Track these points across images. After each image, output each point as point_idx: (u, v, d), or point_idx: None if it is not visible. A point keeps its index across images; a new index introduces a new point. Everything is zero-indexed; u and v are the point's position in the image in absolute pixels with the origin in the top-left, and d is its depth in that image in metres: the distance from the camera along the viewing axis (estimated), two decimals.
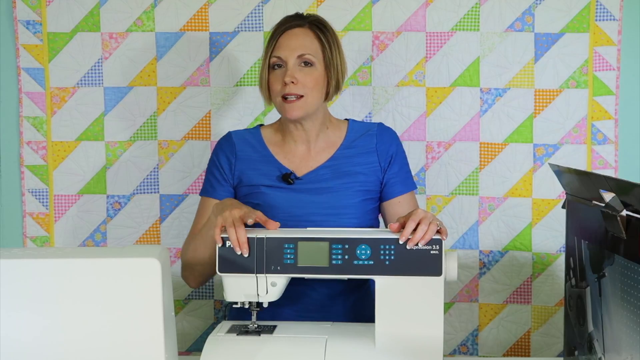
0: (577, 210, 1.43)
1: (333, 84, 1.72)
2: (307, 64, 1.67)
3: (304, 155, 1.75)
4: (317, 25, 1.71)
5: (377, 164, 1.75)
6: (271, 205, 1.69)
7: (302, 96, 1.66)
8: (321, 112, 1.74)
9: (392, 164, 1.76)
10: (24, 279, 1.22)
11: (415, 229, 1.41)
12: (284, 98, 1.66)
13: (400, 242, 1.41)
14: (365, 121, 1.86)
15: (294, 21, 1.71)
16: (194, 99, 2.16)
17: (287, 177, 1.71)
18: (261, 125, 1.85)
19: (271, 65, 1.69)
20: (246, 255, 1.43)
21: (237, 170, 1.75)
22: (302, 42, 1.68)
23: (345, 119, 1.83)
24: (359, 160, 1.74)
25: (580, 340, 1.42)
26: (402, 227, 1.43)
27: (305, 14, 1.75)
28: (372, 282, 1.85)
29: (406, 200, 1.77)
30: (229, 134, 1.81)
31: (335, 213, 1.69)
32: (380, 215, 1.83)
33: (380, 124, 1.81)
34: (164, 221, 2.18)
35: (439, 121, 2.14)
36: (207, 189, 1.78)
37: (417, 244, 1.40)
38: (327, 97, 1.73)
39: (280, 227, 1.50)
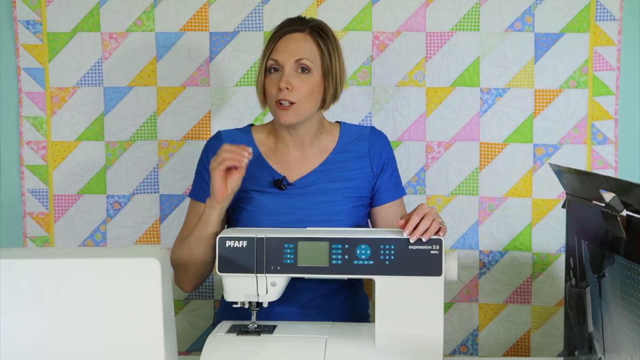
0: (577, 210, 1.43)
1: (331, 92, 1.68)
2: (304, 69, 1.64)
3: (296, 160, 1.72)
4: (318, 32, 1.67)
5: (369, 169, 1.74)
6: (262, 210, 1.67)
7: (295, 103, 1.63)
8: (316, 119, 1.71)
9: (384, 170, 1.75)
10: (24, 279, 1.22)
11: (418, 224, 1.42)
12: (279, 103, 1.63)
13: (405, 234, 1.41)
14: (358, 124, 1.83)
15: (294, 25, 1.67)
16: (194, 99, 2.16)
17: (280, 183, 1.69)
18: (252, 125, 1.82)
19: (268, 68, 1.65)
20: (250, 154, 1.55)
21: None
22: (300, 46, 1.64)
23: (337, 122, 1.81)
24: (351, 165, 1.73)
25: (580, 340, 1.42)
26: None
27: (307, 18, 1.71)
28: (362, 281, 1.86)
29: (396, 206, 1.76)
30: (219, 134, 1.77)
31: (326, 220, 1.67)
32: (369, 220, 1.82)
33: (373, 128, 1.79)
34: (164, 221, 2.18)
35: (439, 121, 2.14)
36: (197, 192, 1.73)
37: (420, 239, 1.40)
38: (324, 105, 1.70)
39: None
